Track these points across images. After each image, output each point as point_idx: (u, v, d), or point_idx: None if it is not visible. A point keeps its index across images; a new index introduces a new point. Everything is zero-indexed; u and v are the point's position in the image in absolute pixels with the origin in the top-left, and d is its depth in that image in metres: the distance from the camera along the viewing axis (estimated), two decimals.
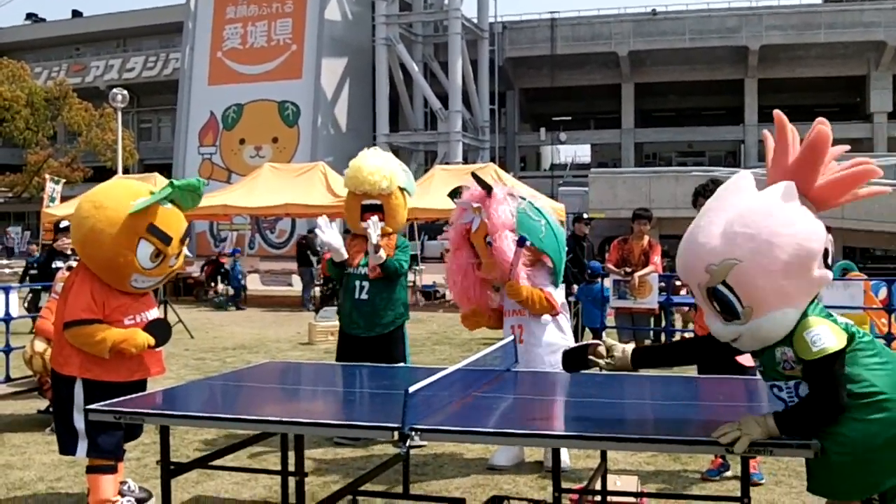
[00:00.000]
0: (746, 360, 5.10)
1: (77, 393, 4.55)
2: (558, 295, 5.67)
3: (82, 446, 4.57)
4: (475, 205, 5.54)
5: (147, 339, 4.60)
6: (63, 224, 9.23)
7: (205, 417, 4.01)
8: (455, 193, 5.88)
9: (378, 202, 6.52)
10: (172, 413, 3.99)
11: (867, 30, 44.73)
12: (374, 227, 6.37)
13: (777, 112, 3.34)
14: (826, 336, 2.90)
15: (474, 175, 5.75)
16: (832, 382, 2.88)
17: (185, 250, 4.86)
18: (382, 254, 6.44)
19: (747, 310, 2.94)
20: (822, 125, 3.13)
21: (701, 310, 5.78)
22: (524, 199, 5.65)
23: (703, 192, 5.78)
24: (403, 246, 6.75)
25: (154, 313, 4.85)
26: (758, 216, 2.96)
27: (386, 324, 6.58)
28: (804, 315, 2.97)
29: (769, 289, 2.90)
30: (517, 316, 5.64)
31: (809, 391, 2.95)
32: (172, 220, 4.66)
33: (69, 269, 7.42)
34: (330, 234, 6.58)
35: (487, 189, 5.57)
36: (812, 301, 3.02)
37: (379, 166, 6.52)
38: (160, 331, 4.72)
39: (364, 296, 6.54)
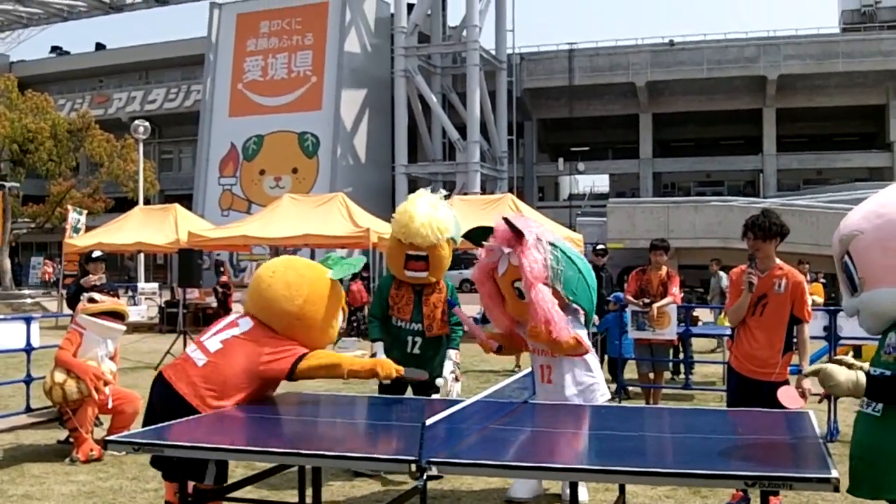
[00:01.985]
0: (790, 401, 5.00)
1: None
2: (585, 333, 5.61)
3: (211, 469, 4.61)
4: (506, 250, 5.39)
5: (394, 368, 4.93)
6: (96, 254, 9.11)
7: (223, 449, 4.02)
8: (475, 235, 5.72)
9: (424, 253, 6.37)
10: (190, 444, 4.00)
11: (886, 59, 44.59)
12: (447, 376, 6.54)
13: None
14: None
15: (505, 219, 5.49)
16: None
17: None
18: (457, 365, 6.71)
19: (861, 281, 3.20)
20: None
21: (737, 338, 5.77)
22: (553, 244, 5.48)
23: (753, 225, 5.75)
24: (455, 296, 6.63)
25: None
26: (891, 199, 3.24)
27: (433, 370, 6.50)
28: None
29: (882, 264, 3.15)
30: (545, 355, 5.52)
31: None
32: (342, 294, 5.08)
33: (90, 300, 7.47)
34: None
35: (518, 233, 5.39)
36: None
37: (430, 220, 6.32)
38: (413, 372, 5.12)
39: (416, 350, 6.49)
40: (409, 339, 6.47)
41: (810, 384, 5.09)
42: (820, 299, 15.60)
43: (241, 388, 4.70)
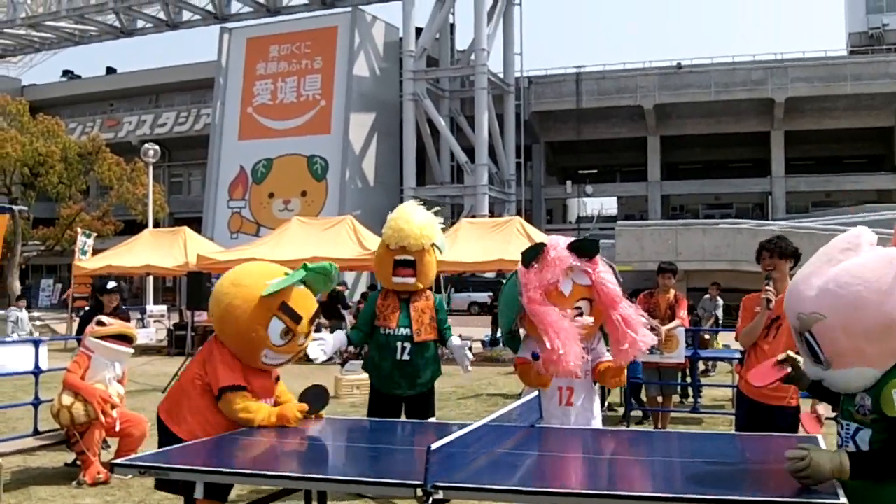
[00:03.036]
0: (811, 427, 5.07)
1: None
2: None
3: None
4: (577, 265, 5.12)
5: (298, 409, 4.77)
6: (110, 285, 9.12)
7: (228, 472, 4.01)
8: (531, 254, 5.29)
9: (412, 258, 6.50)
10: (195, 468, 3.99)
11: (894, 81, 44.57)
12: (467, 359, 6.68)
13: None
14: None
15: (579, 240, 5.26)
16: None
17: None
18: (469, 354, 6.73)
19: (828, 360, 3.08)
20: None
21: (748, 362, 5.72)
22: (610, 265, 5.36)
23: (768, 247, 5.78)
24: (442, 307, 6.76)
25: (271, 402, 4.98)
26: (854, 279, 3.03)
27: (426, 382, 6.60)
28: (892, 372, 3.01)
29: (849, 347, 3.02)
30: (567, 378, 5.21)
31: (887, 446, 2.99)
32: (304, 301, 4.89)
33: (98, 323, 7.50)
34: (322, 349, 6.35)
35: (592, 254, 5.19)
36: None
37: (422, 222, 6.54)
38: (314, 397, 4.88)
39: (406, 356, 6.48)
40: (399, 345, 6.48)
41: (823, 410, 5.15)
42: None
43: (193, 410, 4.71)
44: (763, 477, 3.64)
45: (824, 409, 5.08)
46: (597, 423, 5.32)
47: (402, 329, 6.48)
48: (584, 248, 5.17)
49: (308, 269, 4.92)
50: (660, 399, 10.39)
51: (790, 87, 46.12)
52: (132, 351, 7.77)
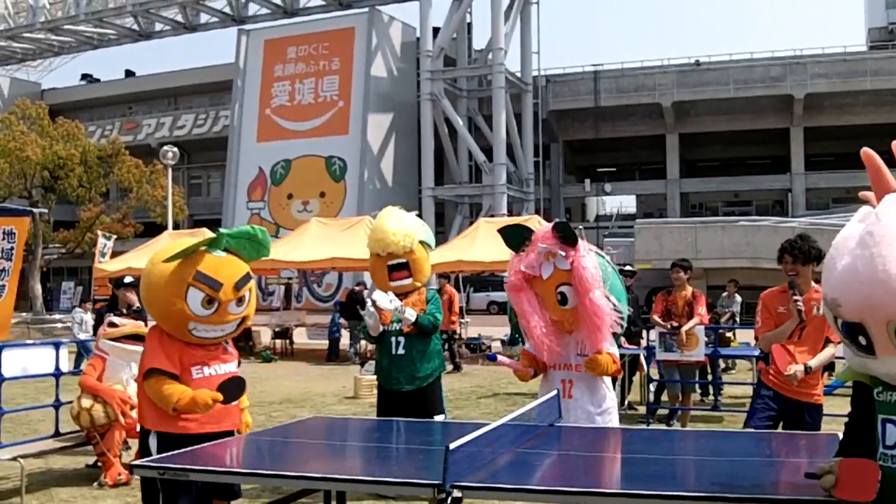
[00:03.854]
0: (782, 360, 5.23)
1: (152, 446, 4.60)
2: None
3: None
4: (560, 252, 5.09)
5: (211, 397, 4.54)
6: (127, 279, 9.15)
7: (246, 473, 4.02)
8: (510, 235, 5.39)
9: (403, 260, 6.62)
10: (215, 469, 4.00)
11: None
12: (383, 300, 6.38)
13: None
14: None
15: (562, 223, 5.25)
16: None
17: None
18: (410, 313, 6.47)
19: None
20: None
21: (774, 361, 5.64)
22: (599, 253, 5.36)
23: (790, 249, 5.74)
24: (433, 299, 6.81)
25: (231, 367, 4.86)
26: None
27: (425, 377, 6.63)
28: None
29: None
30: (567, 370, 5.30)
31: None
32: (222, 267, 4.70)
33: (110, 324, 7.49)
34: (375, 311, 6.55)
35: (570, 239, 5.13)
36: None
37: (400, 226, 6.64)
38: (231, 388, 4.67)
39: (401, 350, 6.59)
40: (393, 340, 6.61)
41: (798, 370, 5.48)
42: None
43: (151, 402, 4.65)
44: (785, 475, 3.61)
45: (798, 370, 5.44)
46: (603, 418, 5.24)
47: (395, 324, 6.62)
48: (565, 235, 5.11)
49: (225, 233, 4.77)
50: (679, 397, 10.34)
51: (809, 83, 45.82)
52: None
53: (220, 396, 4.57)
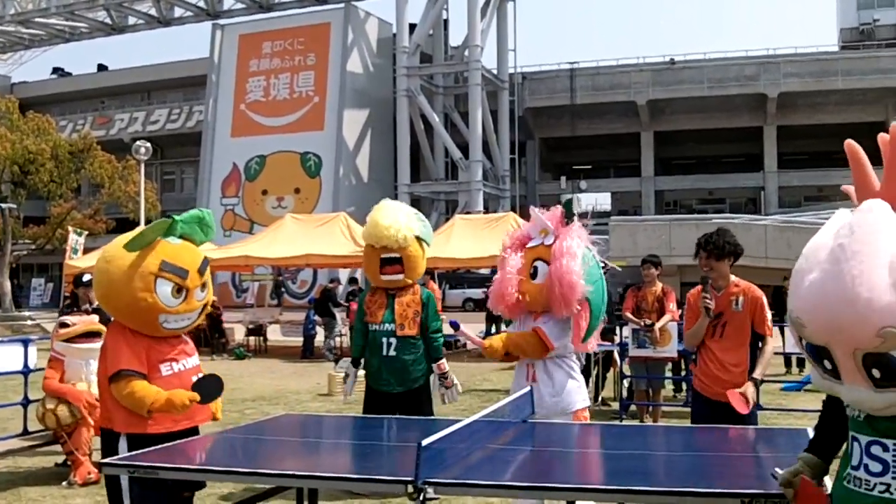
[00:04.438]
0: (738, 405, 5.03)
1: (121, 449, 4.42)
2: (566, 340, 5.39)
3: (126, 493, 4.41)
4: (551, 228, 5.27)
5: (188, 397, 4.43)
6: (86, 278, 9.05)
7: (218, 471, 3.97)
8: (568, 208, 5.53)
9: (397, 255, 6.48)
10: (186, 467, 3.95)
11: (885, 76, 44.71)
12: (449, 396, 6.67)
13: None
14: None
15: (567, 203, 5.59)
16: None
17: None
18: (452, 381, 6.69)
19: None
20: None
21: (700, 361, 5.56)
22: (588, 247, 5.38)
23: (706, 244, 5.51)
24: (430, 301, 6.66)
25: (195, 360, 4.76)
26: None
27: (416, 378, 6.51)
28: None
29: None
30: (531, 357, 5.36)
31: None
32: (183, 254, 4.62)
33: (62, 325, 7.37)
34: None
35: (569, 217, 5.33)
36: None
37: (395, 219, 6.50)
38: (208, 387, 4.55)
39: (392, 352, 6.45)
40: (384, 340, 6.47)
41: (752, 393, 5.17)
42: None
43: (118, 402, 4.48)
44: (752, 469, 3.62)
45: (753, 393, 5.17)
46: (563, 399, 5.23)
47: (386, 324, 6.48)
48: (566, 211, 5.35)
49: (177, 219, 4.66)
50: (650, 392, 10.39)
51: (782, 82, 46.21)
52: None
53: (196, 397, 4.46)
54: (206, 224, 4.79)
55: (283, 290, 22.33)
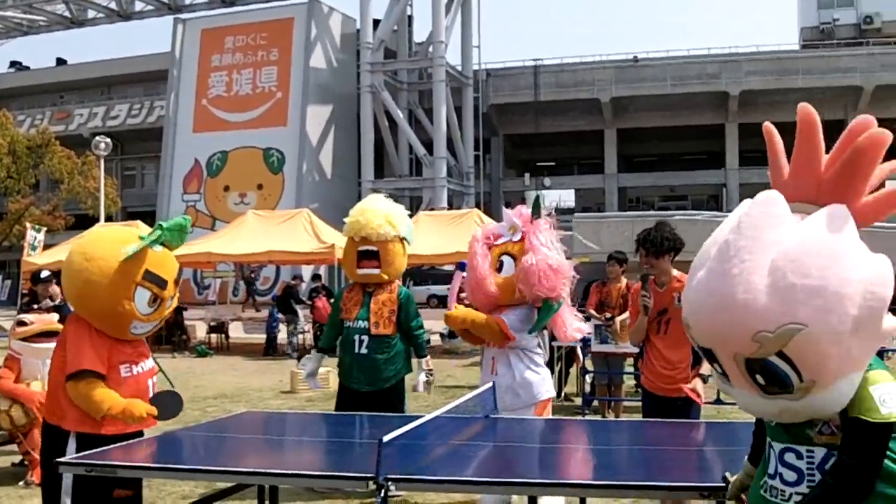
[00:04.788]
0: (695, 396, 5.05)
1: (70, 448, 4.33)
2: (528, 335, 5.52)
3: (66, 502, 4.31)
4: (519, 223, 5.47)
5: (146, 410, 4.39)
6: (44, 274, 8.91)
7: (177, 469, 3.94)
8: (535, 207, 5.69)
9: (375, 248, 6.41)
10: (145, 465, 3.91)
11: (844, 75, 45.34)
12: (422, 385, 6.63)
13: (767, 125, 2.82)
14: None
15: (535, 199, 5.72)
16: (881, 454, 2.23)
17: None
18: (429, 375, 6.66)
19: (807, 384, 2.20)
20: (870, 125, 2.47)
21: (646, 358, 5.53)
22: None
23: (644, 241, 5.35)
24: (409, 300, 6.59)
25: (150, 363, 4.72)
26: (818, 258, 2.19)
27: (387, 378, 6.42)
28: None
29: (837, 355, 2.18)
30: (494, 347, 5.51)
31: (844, 460, 2.25)
32: (166, 263, 4.61)
33: (20, 323, 7.25)
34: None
35: (536, 214, 5.51)
36: None
37: (384, 211, 6.49)
38: (167, 404, 4.52)
39: (364, 350, 6.38)
40: (356, 338, 6.39)
41: (701, 388, 5.06)
42: None
43: (65, 402, 4.41)
44: (711, 462, 3.65)
45: (702, 388, 5.06)
46: (525, 391, 5.30)
47: (360, 321, 6.39)
48: (533, 207, 5.56)
49: (164, 227, 4.63)
50: (611, 388, 10.45)
51: (744, 80, 46.66)
52: None
53: (154, 411, 4.42)
54: (185, 231, 4.77)
55: (254, 287, 22.21)
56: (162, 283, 4.53)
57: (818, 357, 2.17)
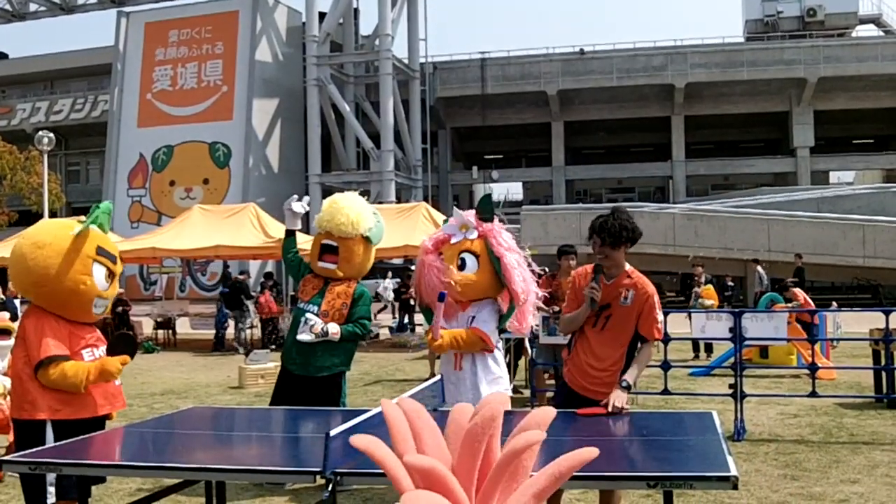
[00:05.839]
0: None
1: (48, 437, 4.38)
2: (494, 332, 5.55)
3: (51, 492, 4.36)
4: (472, 223, 5.52)
5: (119, 360, 4.54)
6: None
7: (123, 466, 3.90)
8: (486, 205, 5.71)
9: (334, 244, 6.40)
10: (89, 462, 3.86)
11: (788, 67, 46.09)
12: (309, 330, 6.27)
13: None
14: None
15: (486, 197, 5.82)
16: None
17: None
18: (334, 328, 6.26)
19: None
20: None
21: (574, 349, 5.07)
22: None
23: (601, 230, 4.80)
24: (361, 298, 6.49)
25: (104, 349, 4.71)
26: None
27: (320, 367, 6.33)
28: None
29: None
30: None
31: None
32: (108, 241, 4.82)
33: None
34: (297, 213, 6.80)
35: (488, 216, 5.57)
36: None
37: (350, 209, 6.44)
38: (124, 345, 4.66)
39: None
40: (303, 319, 6.33)
41: (624, 400, 4.56)
42: (711, 302, 15.64)
43: (41, 389, 4.44)
44: (659, 452, 3.70)
45: (623, 400, 4.56)
46: (490, 387, 5.32)
47: (312, 305, 6.38)
48: (484, 208, 5.59)
49: (99, 208, 4.82)
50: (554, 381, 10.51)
51: (689, 72, 47.22)
52: (11, 342, 7.47)
53: (127, 359, 4.60)
54: (110, 216, 4.96)
55: (185, 280, 21.99)
56: (112, 258, 4.76)
57: None
